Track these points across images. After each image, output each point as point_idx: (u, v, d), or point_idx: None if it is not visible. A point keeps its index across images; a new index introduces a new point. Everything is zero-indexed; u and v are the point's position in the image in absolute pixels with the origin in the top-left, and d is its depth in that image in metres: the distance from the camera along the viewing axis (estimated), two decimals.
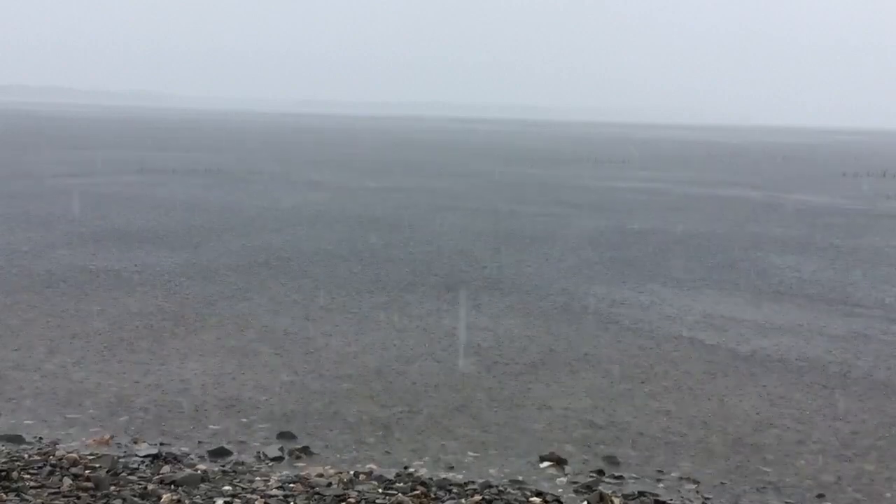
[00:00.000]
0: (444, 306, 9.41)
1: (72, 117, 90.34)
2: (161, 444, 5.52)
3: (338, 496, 4.73)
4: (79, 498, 4.54)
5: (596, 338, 8.34)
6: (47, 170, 24.47)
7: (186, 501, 4.60)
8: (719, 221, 17.53)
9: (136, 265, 11.04)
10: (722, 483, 5.24)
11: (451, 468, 5.31)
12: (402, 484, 4.96)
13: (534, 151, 47.38)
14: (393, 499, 4.71)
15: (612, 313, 9.35)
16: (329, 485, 4.91)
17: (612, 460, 5.50)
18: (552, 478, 5.23)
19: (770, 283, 11.21)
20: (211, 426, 5.88)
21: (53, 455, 5.16)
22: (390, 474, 5.14)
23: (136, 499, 4.56)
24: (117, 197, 18.28)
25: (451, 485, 4.98)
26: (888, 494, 5.17)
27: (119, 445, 5.48)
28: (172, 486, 4.79)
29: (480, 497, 4.79)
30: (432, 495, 4.81)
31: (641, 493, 5.01)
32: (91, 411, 6.06)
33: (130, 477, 4.90)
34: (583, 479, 5.20)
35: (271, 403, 6.32)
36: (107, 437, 5.59)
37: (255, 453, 5.43)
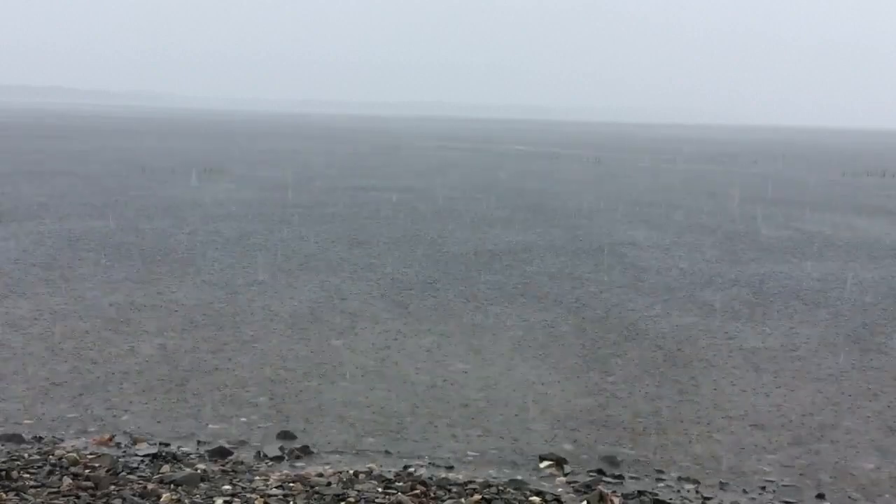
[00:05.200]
0: (446, 308, 9.42)
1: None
2: (161, 443, 5.53)
3: (337, 496, 4.74)
4: (78, 497, 4.55)
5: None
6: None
7: (186, 501, 4.61)
8: None
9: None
10: (722, 483, 5.24)
11: (451, 468, 5.32)
12: (401, 483, 4.97)
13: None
14: (392, 498, 4.71)
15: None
16: (329, 484, 4.92)
17: (611, 460, 5.50)
18: (552, 477, 5.23)
19: None
20: (211, 426, 5.89)
21: (53, 454, 5.17)
22: (390, 474, 5.14)
23: (135, 498, 4.57)
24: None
25: (450, 484, 4.99)
26: (887, 494, 5.17)
27: (119, 445, 5.49)
28: (172, 486, 4.79)
29: (480, 496, 4.79)
30: (432, 495, 4.82)
31: (641, 493, 5.01)
32: (91, 411, 6.07)
33: (130, 476, 4.90)
34: (582, 479, 5.20)
35: (271, 402, 6.33)
36: (107, 436, 5.60)
37: (254, 453, 5.44)
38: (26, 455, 5.16)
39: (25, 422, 5.84)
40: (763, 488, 5.18)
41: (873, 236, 15.88)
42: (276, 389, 6.61)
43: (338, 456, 5.46)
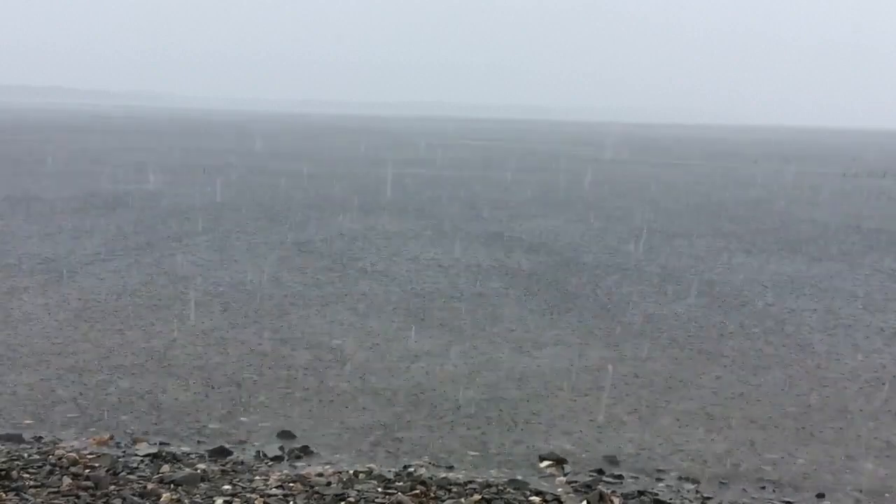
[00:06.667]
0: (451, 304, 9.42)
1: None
2: (161, 443, 5.53)
3: (337, 495, 4.74)
4: (78, 497, 4.55)
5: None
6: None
7: (186, 501, 4.61)
8: None
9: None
10: (722, 483, 5.24)
11: (451, 468, 5.32)
12: (401, 483, 4.97)
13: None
14: (392, 498, 4.71)
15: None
16: (329, 484, 4.92)
17: (611, 460, 5.50)
18: (552, 477, 5.23)
19: None
20: (211, 426, 5.88)
21: (53, 454, 5.17)
22: (390, 474, 5.14)
23: (135, 498, 4.57)
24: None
25: (450, 484, 4.99)
26: (887, 494, 5.17)
27: (119, 445, 5.49)
28: (172, 486, 4.79)
29: (480, 496, 4.79)
30: (432, 494, 4.81)
31: (641, 493, 5.01)
32: (91, 411, 6.07)
33: (130, 476, 4.91)
34: (582, 479, 5.20)
35: (271, 402, 6.33)
36: (107, 436, 5.60)
37: (254, 453, 5.44)
38: (26, 455, 5.16)
39: (25, 422, 5.84)
40: (763, 488, 5.19)
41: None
42: (275, 389, 6.61)
43: (338, 456, 5.46)
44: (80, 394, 6.39)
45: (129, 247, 12.37)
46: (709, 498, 5.03)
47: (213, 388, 6.60)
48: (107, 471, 4.93)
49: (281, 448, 5.50)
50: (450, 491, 4.88)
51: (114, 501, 4.52)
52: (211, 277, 10.50)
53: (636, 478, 5.27)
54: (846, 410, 6.53)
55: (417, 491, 4.83)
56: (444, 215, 16.88)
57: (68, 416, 5.98)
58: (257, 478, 5.00)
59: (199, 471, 5.02)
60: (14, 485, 4.65)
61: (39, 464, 5.00)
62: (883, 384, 7.16)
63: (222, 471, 5.10)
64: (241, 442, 5.62)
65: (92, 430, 5.73)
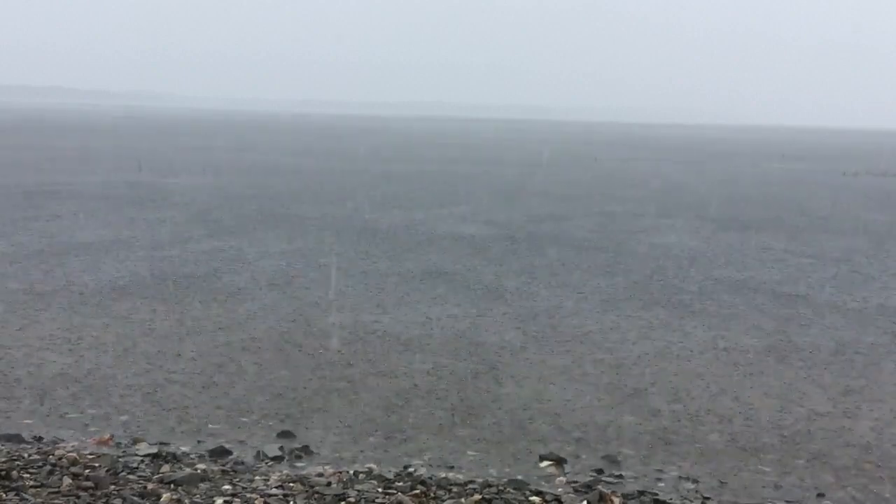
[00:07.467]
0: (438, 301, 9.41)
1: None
2: (161, 443, 5.53)
3: (337, 496, 4.73)
4: (78, 497, 4.54)
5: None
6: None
7: (186, 501, 4.60)
8: None
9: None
10: (721, 482, 5.24)
11: (451, 468, 5.32)
12: (401, 483, 4.96)
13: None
14: (392, 498, 4.71)
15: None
16: (328, 484, 4.91)
17: (611, 459, 5.50)
18: (552, 477, 5.23)
19: None
20: (211, 426, 5.88)
21: (53, 454, 5.17)
22: (390, 474, 5.14)
23: (135, 498, 4.56)
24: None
25: (450, 484, 4.99)
26: (888, 494, 5.17)
27: (119, 445, 5.49)
28: (172, 486, 4.79)
29: (480, 496, 4.79)
30: (432, 495, 4.81)
31: (641, 493, 5.01)
32: (91, 411, 6.07)
33: (130, 476, 4.90)
34: (582, 479, 5.20)
35: (271, 402, 6.33)
36: (107, 436, 5.60)
37: (254, 453, 5.44)
38: (26, 455, 5.16)
39: (25, 422, 5.84)
40: (763, 488, 5.18)
41: None
42: (276, 389, 6.61)
43: (338, 456, 5.46)
44: (81, 394, 6.38)
45: (133, 245, 12.38)
46: (708, 498, 5.03)
47: (212, 387, 6.60)
48: (107, 471, 4.93)
49: (281, 448, 5.50)
50: (450, 491, 4.88)
51: (114, 501, 4.51)
52: (211, 276, 10.50)
53: (636, 478, 5.27)
54: (849, 409, 6.54)
55: (417, 491, 4.83)
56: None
57: (68, 416, 5.98)
58: (257, 478, 5.00)
59: (199, 471, 5.02)
60: (14, 485, 4.64)
61: (39, 464, 4.99)
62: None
63: (222, 471, 5.10)
64: (241, 442, 5.62)
65: (92, 430, 5.74)
